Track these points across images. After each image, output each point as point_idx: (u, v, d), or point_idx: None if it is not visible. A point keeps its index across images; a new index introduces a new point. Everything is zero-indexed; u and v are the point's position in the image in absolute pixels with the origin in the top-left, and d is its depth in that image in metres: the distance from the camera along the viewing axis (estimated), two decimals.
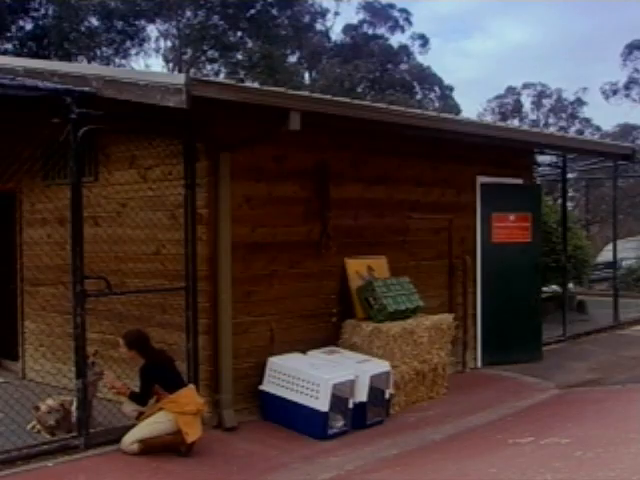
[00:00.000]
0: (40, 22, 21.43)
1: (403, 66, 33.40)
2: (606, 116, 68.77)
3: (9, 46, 20.90)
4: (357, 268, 6.74)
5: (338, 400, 5.60)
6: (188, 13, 25.83)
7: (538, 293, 8.55)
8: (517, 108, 39.16)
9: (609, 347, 8.68)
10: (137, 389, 5.16)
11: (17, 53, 19.53)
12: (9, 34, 21.13)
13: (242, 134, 5.60)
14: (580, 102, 38.44)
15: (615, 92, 36.47)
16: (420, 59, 34.21)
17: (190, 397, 5.11)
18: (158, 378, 5.14)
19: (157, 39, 26.74)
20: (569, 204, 17.53)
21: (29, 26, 21.65)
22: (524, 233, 8.33)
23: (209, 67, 27.64)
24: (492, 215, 8.21)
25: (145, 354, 5.17)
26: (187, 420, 4.97)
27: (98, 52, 23.30)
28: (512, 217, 8.28)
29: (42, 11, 21.64)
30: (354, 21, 33.47)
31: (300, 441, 5.48)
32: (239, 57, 26.58)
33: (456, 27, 76.98)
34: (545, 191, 20.97)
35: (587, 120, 38.44)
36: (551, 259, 10.29)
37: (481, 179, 8.22)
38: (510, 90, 39.52)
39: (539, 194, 9.08)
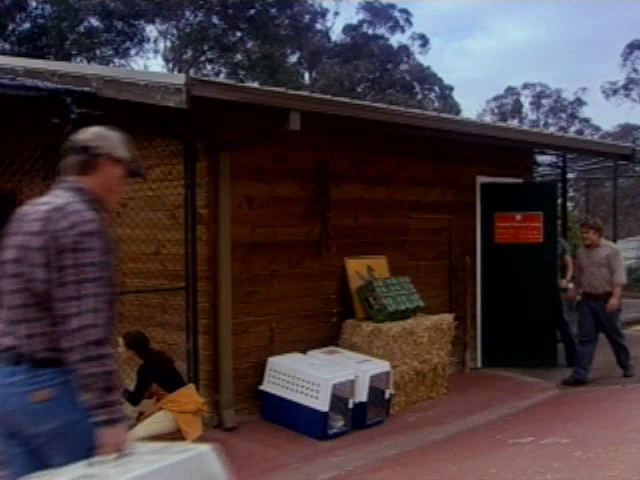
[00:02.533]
0: (39, 22, 21.43)
1: (403, 66, 33.38)
2: (606, 116, 68.82)
3: (7, 46, 20.90)
4: (357, 268, 6.74)
5: (338, 400, 5.60)
6: (187, 13, 25.83)
7: (553, 295, 8.07)
8: (517, 108, 39.19)
9: (609, 347, 8.63)
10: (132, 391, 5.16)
11: (15, 53, 19.52)
12: (7, 33, 21.13)
13: (242, 134, 5.60)
14: (580, 102, 38.49)
15: (615, 92, 36.48)
16: (420, 59, 34.24)
17: (190, 396, 5.11)
18: (155, 379, 5.14)
19: (157, 39, 26.76)
20: (569, 204, 17.52)
21: (27, 25, 21.65)
22: (534, 233, 8.13)
23: (209, 67, 27.63)
24: (495, 215, 8.17)
25: (143, 355, 5.17)
26: (187, 419, 4.97)
27: (98, 52, 23.29)
28: (519, 217, 8.12)
29: (39, 10, 21.63)
30: (354, 21, 33.47)
31: (300, 441, 5.48)
32: (239, 57, 26.57)
33: (457, 26, 77.07)
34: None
35: (587, 120, 38.47)
36: None
37: (481, 179, 8.22)
38: (510, 90, 39.56)
39: (553, 193, 8.64)
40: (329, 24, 32.70)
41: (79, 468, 2.32)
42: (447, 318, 6.86)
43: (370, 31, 33.49)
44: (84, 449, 2.35)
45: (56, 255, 2.33)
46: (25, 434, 2.42)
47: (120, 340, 5.25)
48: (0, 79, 5.31)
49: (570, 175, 14.13)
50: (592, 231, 7.28)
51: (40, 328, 2.39)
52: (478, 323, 8.17)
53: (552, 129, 33.20)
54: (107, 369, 2.30)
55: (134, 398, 5.13)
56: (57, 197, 2.48)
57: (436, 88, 34.43)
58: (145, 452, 2.45)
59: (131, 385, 5.17)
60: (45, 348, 2.38)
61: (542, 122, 38.46)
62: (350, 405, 5.69)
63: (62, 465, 2.33)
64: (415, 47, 34.53)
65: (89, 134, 2.62)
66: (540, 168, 11.84)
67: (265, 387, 5.90)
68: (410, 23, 33.98)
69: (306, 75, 31.38)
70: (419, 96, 32.71)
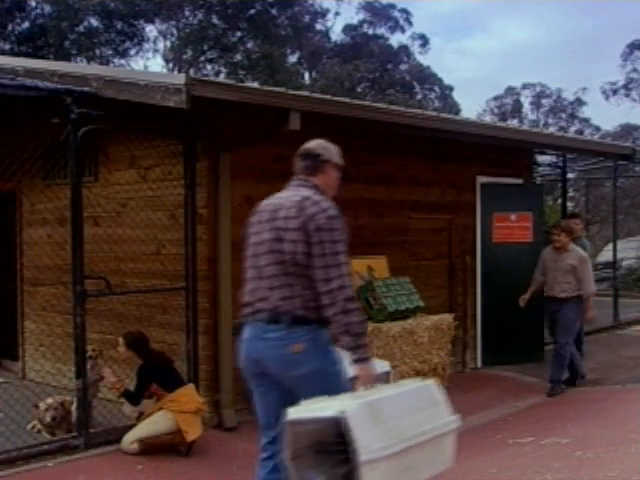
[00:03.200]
0: (38, 21, 21.43)
1: (403, 66, 33.38)
2: (606, 116, 68.83)
3: (7, 45, 20.89)
4: (357, 268, 6.73)
5: None
6: (187, 13, 25.83)
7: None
8: (517, 108, 39.16)
9: (609, 347, 8.66)
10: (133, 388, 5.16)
11: (15, 53, 19.52)
12: (7, 32, 21.12)
13: (242, 134, 5.60)
14: (580, 102, 38.44)
15: (615, 92, 36.47)
16: (420, 59, 34.24)
17: (190, 396, 5.11)
18: (155, 379, 5.14)
19: (156, 39, 26.76)
20: (569, 204, 17.53)
21: (27, 25, 21.65)
22: (525, 233, 8.26)
23: (209, 67, 27.64)
24: (493, 215, 8.19)
25: (143, 355, 5.17)
26: (187, 418, 4.97)
27: (97, 52, 23.29)
28: (513, 217, 8.21)
29: (39, 10, 21.63)
30: (354, 21, 33.47)
31: None
32: (239, 57, 26.57)
33: (457, 26, 77.06)
34: (545, 191, 21.00)
35: (587, 120, 38.45)
36: None
37: (481, 179, 8.21)
38: (509, 90, 39.52)
39: (540, 193, 8.95)
40: (329, 24, 32.64)
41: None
42: (447, 318, 6.86)
43: (370, 31, 33.50)
44: (322, 390, 2.93)
45: (314, 233, 2.99)
46: (281, 377, 3.11)
47: (120, 340, 5.25)
48: (0, 79, 5.30)
49: (570, 175, 14.15)
50: (564, 234, 6.99)
51: (293, 292, 3.04)
52: (478, 323, 8.17)
53: (552, 129, 33.19)
54: (359, 319, 2.97)
55: (134, 398, 5.13)
56: (299, 190, 3.21)
57: (436, 88, 34.42)
58: (384, 386, 3.18)
59: (131, 385, 5.17)
60: (298, 307, 3.03)
61: (542, 122, 38.44)
62: None
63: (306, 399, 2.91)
64: (415, 47, 34.55)
65: (316, 144, 3.35)
66: (540, 168, 11.85)
67: None
68: (410, 23, 34.01)
69: (306, 75, 31.39)
70: (419, 96, 32.71)
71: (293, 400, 2.97)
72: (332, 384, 3.04)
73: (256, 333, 3.13)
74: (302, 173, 3.32)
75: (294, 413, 2.82)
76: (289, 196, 3.21)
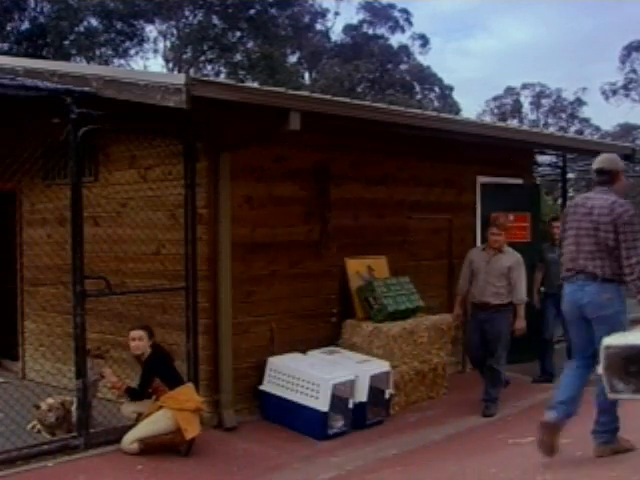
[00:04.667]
0: (37, 21, 21.41)
1: (403, 66, 33.38)
2: (606, 116, 68.82)
3: (6, 45, 20.87)
4: (357, 268, 6.74)
5: (338, 400, 5.60)
6: (187, 13, 25.82)
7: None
8: (516, 108, 39.17)
9: None
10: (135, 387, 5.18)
11: (14, 52, 19.51)
12: (6, 32, 21.11)
13: (242, 134, 5.60)
14: (580, 102, 38.47)
15: (615, 92, 36.48)
16: (420, 59, 34.25)
17: (189, 394, 5.12)
18: (161, 372, 5.15)
19: (156, 39, 26.75)
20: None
21: (26, 25, 21.63)
22: (523, 233, 8.26)
23: (209, 67, 27.64)
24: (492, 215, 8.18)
25: (154, 346, 5.21)
26: (186, 416, 4.97)
27: (97, 52, 23.28)
28: (511, 217, 8.20)
29: (38, 9, 21.61)
30: (354, 21, 33.48)
31: (300, 441, 5.48)
32: (239, 57, 26.56)
33: (457, 26, 77.06)
34: (545, 191, 20.99)
35: (587, 120, 38.46)
36: None
37: (481, 179, 8.21)
38: (509, 90, 39.53)
39: (538, 194, 8.99)
40: (329, 24, 32.62)
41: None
42: (447, 318, 6.85)
43: (370, 31, 33.50)
44: (613, 327, 4.04)
45: (621, 226, 4.21)
46: (592, 315, 4.32)
47: (138, 333, 5.21)
48: (0, 79, 5.30)
49: (570, 175, 14.13)
50: (504, 232, 6.42)
51: (604, 264, 4.29)
52: None
53: (552, 129, 33.19)
54: None
55: (138, 393, 5.14)
56: (607, 195, 4.35)
57: (436, 88, 34.43)
58: None
59: (133, 383, 5.18)
60: (609, 273, 4.28)
61: (542, 122, 38.45)
62: (350, 405, 5.69)
63: (605, 334, 3.88)
64: (415, 47, 34.57)
65: (607, 162, 4.49)
66: (540, 168, 11.84)
67: (265, 387, 5.90)
68: (410, 23, 34.02)
69: (306, 75, 31.39)
70: (419, 96, 32.71)
71: (592, 334, 4.31)
72: (621, 324, 4.21)
73: (576, 287, 4.41)
74: (602, 184, 4.44)
75: (609, 340, 3.83)
76: (600, 199, 4.37)
